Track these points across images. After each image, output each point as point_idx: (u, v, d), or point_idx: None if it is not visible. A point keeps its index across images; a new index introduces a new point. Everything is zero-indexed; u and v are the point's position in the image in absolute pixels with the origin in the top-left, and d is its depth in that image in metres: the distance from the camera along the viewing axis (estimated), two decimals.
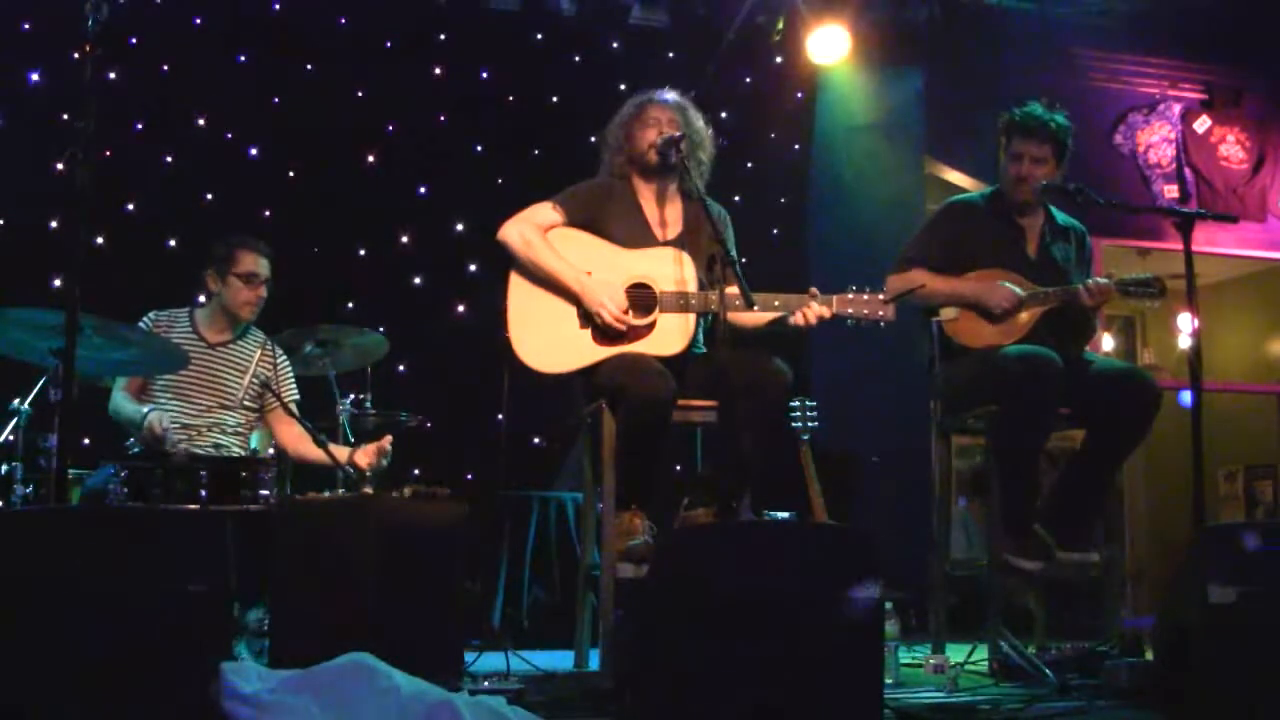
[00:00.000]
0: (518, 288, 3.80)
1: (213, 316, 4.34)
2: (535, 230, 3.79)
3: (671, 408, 3.56)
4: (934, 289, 4.15)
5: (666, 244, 3.84)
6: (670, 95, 3.97)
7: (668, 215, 3.93)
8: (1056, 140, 4.13)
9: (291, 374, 4.46)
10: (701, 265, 3.75)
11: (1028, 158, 4.13)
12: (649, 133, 3.87)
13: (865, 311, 3.66)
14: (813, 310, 3.63)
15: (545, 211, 3.83)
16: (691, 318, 3.70)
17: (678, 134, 3.79)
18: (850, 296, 3.67)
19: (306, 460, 4.24)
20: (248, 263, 4.30)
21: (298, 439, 4.25)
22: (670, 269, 3.74)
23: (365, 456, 4.08)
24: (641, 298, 3.72)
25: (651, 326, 3.69)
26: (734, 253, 3.66)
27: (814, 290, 3.67)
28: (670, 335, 3.68)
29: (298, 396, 4.41)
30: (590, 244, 3.80)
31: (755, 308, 3.53)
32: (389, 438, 4.14)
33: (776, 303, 3.65)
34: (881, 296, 3.67)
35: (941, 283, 4.15)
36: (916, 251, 4.24)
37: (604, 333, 3.70)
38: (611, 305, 3.66)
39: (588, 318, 3.72)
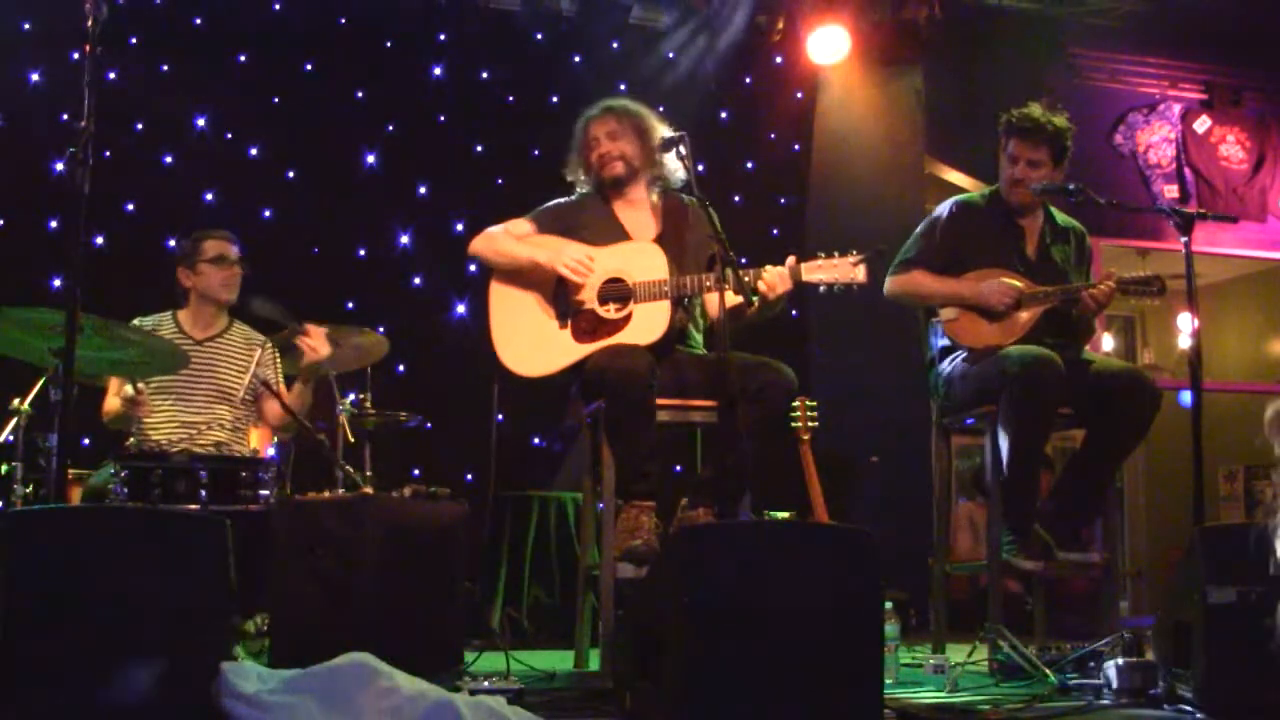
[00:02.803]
0: (498, 298, 3.86)
1: (196, 312, 4.38)
2: (500, 230, 3.88)
3: (651, 382, 3.57)
4: (932, 290, 4.16)
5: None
6: (599, 106, 4.00)
7: (642, 220, 3.95)
8: (1053, 143, 4.12)
9: (278, 360, 4.52)
10: (681, 260, 3.77)
11: (1024, 160, 4.13)
12: (592, 152, 3.92)
13: (836, 276, 3.65)
14: (767, 277, 3.63)
15: (517, 223, 3.92)
16: (667, 304, 3.71)
17: (677, 134, 3.79)
18: (820, 262, 3.67)
19: (283, 421, 4.37)
20: (213, 248, 4.36)
21: (277, 412, 4.37)
22: (642, 260, 3.76)
23: (313, 345, 4.23)
24: (617, 291, 3.74)
25: (629, 318, 3.71)
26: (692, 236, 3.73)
27: (791, 259, 3.68)
28: (648, 324, 3.70)
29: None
30: (562, 243, 3.83)
31: (754, 304, 3.53)
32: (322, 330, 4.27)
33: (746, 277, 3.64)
34: (850, 259, 3.65)
35: (940, 284, 4.15)
36: (915, 253, 4.24)
37: (583, 329, 3.72)
38: (569, 256, 3.70)
39: (566, 316, 3.74)
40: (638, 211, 3.95)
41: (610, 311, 3.72)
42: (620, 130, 3.90)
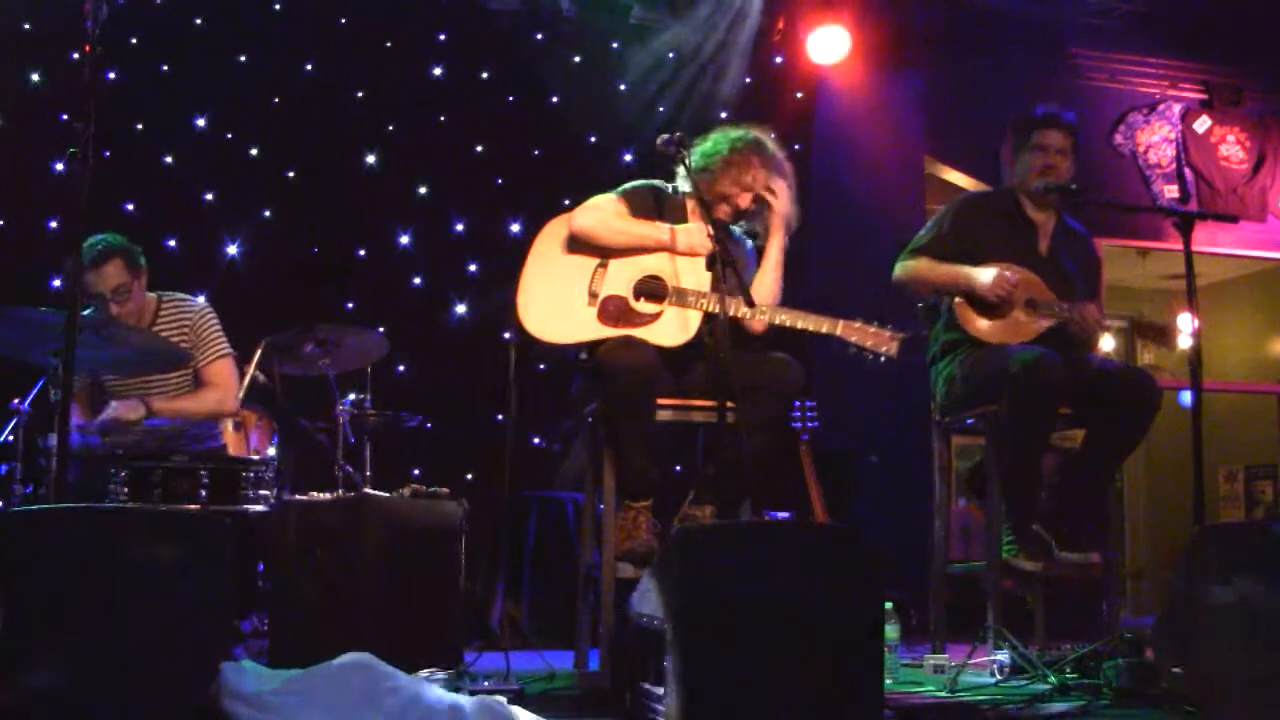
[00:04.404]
0: (536, 260, 3.81)
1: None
2: (607, 208, 3.84)
3: (653, 378, 3.57)
4: (933, 274, 4.18)
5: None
6: (767, 144, 3.95)
7: (704, 234, 3.93)
8: (1075, 135, 4.18)
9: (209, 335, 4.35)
10: (719, 283, 3.78)
11: (1053, 148, 4.16)
12: (734, 189, 3.85)
13: (870, 343, 3.67)
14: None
15: (612, 202, 3.87)
16: (696, 315, 3.72)
17: (678, 134, 3.79)
18: (857, 325, 3.69)
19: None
20: (88, 285, 4.10)
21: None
22: (683, 266, 3.77)
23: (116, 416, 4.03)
24: (650, 288, 3.75)
25: (656, 316, 3.72)
26: (744, 276, 3.72)
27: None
28: (671, 327, 3.71)
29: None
30: (674, 228, 3.85)
31: (754, 307, 3.55)
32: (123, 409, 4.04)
33: (782, 317, 3.71)
34: (889, 333, 3.67)
35: (942, 268, 4.17)
36: (924, 242, 4.28)
37: (609, 312, 3.72)
38: (697, 235, 3.74)
39: (597, 295, 3.74)
40: (703, 226, 3.94)
41: (641, 304, 3.74)
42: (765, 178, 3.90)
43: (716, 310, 3.65)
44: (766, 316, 3.68)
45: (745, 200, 3.87)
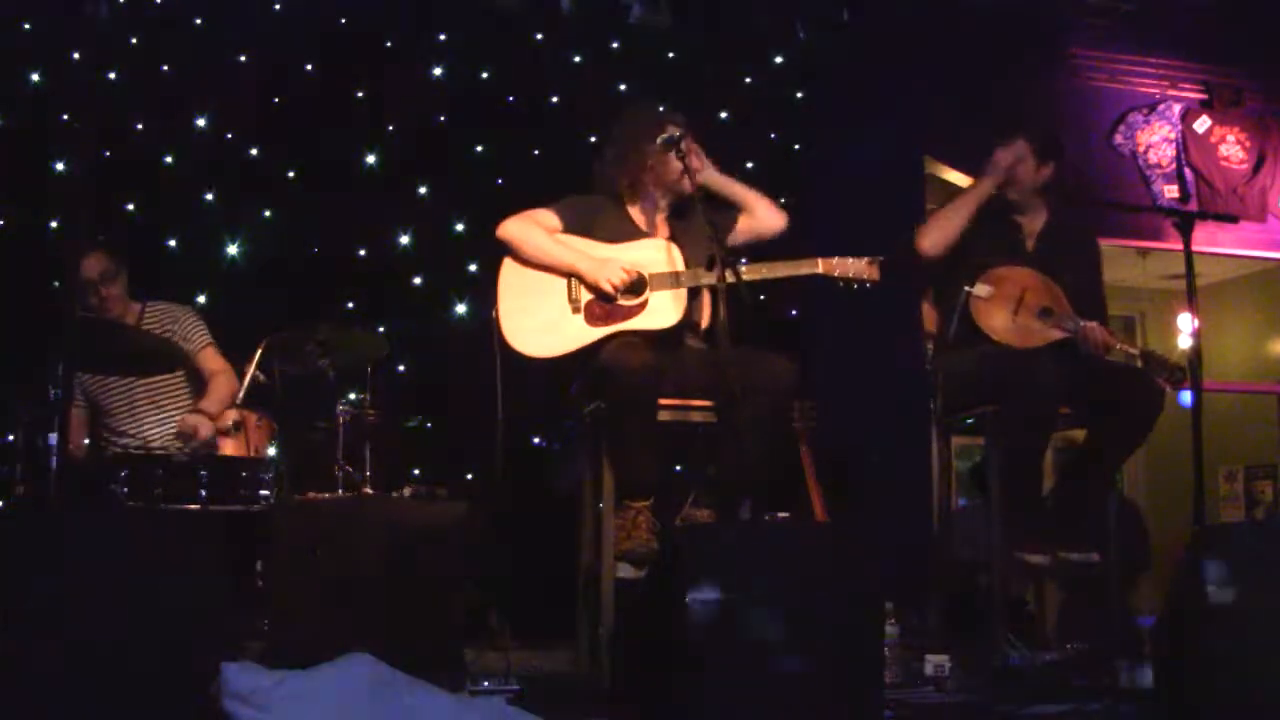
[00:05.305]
0: (509, 279, 3.85)
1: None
2: (537, 225, 3.86)
3: (655, 377, 3.57)
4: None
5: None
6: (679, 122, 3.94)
7: (655, 221, 4.00)
8: (1028, 137, 4.17)
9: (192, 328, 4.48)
10: (691, 257, 3.80)
11: (1003, 165, 4.21)
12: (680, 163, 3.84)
13: (852, 273, 3.77)
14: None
15: (547, 215, 3.90)
16: (683, 293, 3.73)
17: (678, 133, 3.80)
18: (836, 260, 3.78)
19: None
20: (83, 270, 4.22)
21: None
22: (657, 255, 3.80)
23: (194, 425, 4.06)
24: (630, 282, 3.77)
25: (643, 305, 3.73)
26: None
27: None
28: (663, 310, 3.73)
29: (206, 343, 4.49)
30: (580, 243, 3.86)
31: (742, 281, 3.58)
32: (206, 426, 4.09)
33: (764, 270, 3.77)
34: (866, 261, 3.78)
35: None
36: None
37: (595, 314, 3.73)
38: (614, 273, 3.73)
39: (579, 301, 3.75)
40: (651, 214, 3.97)
41: (625, 299, 3.75)
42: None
43: (704, 283, 3.67)
44: (750, 276, 3.70)
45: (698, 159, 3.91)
